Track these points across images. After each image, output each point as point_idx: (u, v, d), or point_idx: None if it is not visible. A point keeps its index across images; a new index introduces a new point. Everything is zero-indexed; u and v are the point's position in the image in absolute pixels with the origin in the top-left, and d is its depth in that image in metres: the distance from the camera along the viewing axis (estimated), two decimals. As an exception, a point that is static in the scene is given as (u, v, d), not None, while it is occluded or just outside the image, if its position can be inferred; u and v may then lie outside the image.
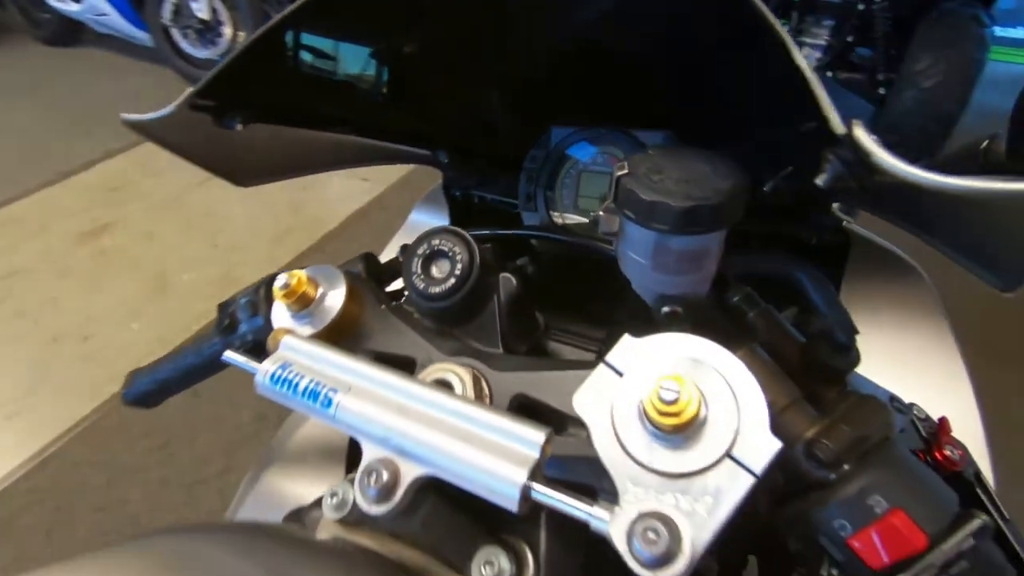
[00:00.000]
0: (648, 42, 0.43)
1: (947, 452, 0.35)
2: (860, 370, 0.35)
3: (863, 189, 0.27)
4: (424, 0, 0.40)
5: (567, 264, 0.52)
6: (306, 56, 0.44)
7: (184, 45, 3.16)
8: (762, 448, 0.25)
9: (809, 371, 0.33)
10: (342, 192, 2.43)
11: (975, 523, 0.27)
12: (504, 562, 0.31)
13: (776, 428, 0.25)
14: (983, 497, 0.34)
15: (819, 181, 0.27)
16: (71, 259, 2.05)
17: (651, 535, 0.23)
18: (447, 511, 0.31)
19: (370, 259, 0.46)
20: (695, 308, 0.34)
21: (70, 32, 3.65)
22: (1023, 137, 0.39)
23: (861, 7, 2.74)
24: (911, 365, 0.47)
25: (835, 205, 0.45)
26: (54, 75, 3.44)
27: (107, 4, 3.17)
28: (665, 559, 0.23)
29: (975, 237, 0.29)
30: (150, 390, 0.53)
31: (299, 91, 0.46)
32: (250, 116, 0.41)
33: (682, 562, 0.23)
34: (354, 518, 0.33)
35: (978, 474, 0.35)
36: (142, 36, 3.28)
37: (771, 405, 0.29)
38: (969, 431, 0.45)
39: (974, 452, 0.41)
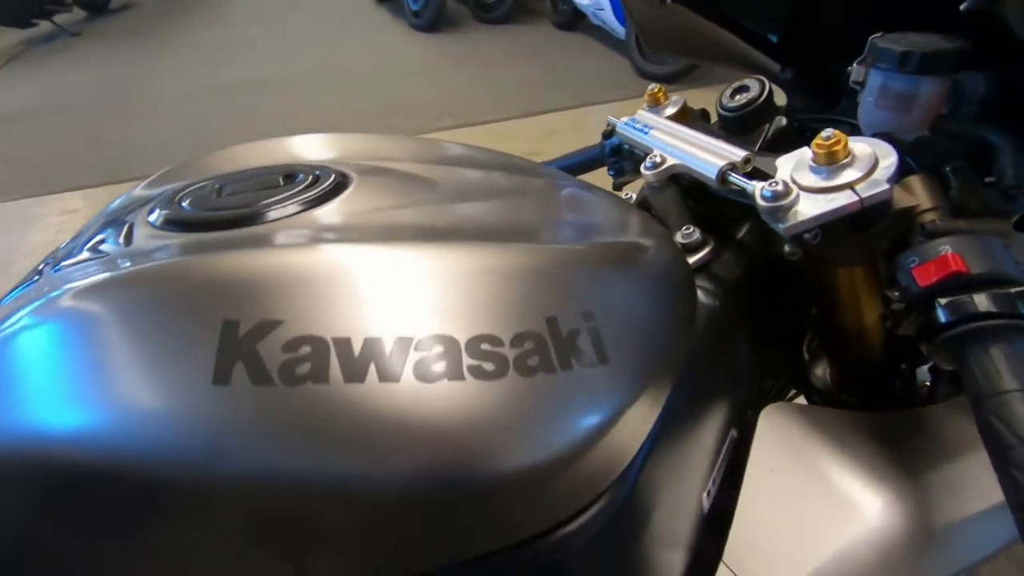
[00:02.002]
0: None
1: None
2: None
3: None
4: None
5: None
6: None
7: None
8: (876, 189, 0.40)
9: (981, 213, 0.44)
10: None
11: (1019, 288, 0.36)
12: (697, 235, 0.52)
13: (917, 221, 0.40)
14: None
15: (962, 7, 0.39)
16: (508, 165, 2.87)
17: (774, 184, 0.42)
18: (674, 200, 0.54)
19: (704, 110, 0.70)
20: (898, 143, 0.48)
21: (574, 20, 4.76)
22: None
23: None
24: None
25: None
26: (553, 48, 4.60)
27: (606, 0, 4.04)
28: (776, 198, 0.42)
29: None
30: None
31: None
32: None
33: (787, 200, 0.41)
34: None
35: None
36: (620, 30, 4.06)
37: (919, 205, 0.43)
38: None
39: None
